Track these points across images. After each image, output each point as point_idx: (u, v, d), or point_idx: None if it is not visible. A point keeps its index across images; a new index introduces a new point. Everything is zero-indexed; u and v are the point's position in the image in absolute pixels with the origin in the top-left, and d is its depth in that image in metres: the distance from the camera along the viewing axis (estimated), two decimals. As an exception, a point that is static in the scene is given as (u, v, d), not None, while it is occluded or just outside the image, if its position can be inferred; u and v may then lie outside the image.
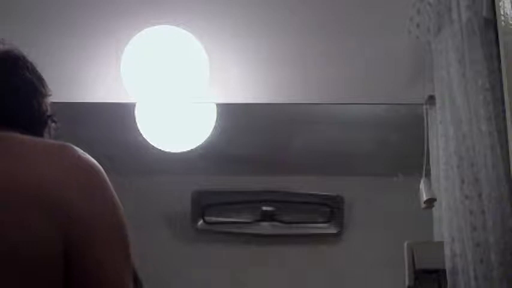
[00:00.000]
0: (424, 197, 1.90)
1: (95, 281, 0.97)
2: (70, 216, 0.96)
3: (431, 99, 1.96)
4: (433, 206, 1.91)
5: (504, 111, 1.73)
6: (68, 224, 0.96)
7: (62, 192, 0.97)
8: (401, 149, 2.11)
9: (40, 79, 1.17)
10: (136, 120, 2.10)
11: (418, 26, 1.91)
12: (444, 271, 1.77)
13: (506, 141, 1.72)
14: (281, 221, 2.16)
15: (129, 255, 1.02)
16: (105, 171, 1.04)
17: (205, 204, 2.16)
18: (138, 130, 2.09)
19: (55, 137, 1.18)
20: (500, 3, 1.74)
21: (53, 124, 1.17)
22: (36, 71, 1.17)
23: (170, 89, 2.00)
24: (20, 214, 0.94)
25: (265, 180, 2.16)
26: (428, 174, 1.94)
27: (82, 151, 1.03)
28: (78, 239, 0.96)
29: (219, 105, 2.10)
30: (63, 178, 0.98)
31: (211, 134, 2.11)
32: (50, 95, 1.18)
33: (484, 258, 1.67)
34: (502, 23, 1.74)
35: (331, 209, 2.16)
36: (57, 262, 0.95)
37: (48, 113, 1.16)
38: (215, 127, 2.11)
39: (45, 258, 0.94)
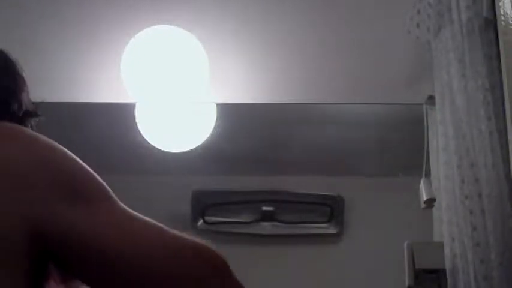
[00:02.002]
0: (424, 197, 1.90)
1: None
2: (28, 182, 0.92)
3: (431, 99, 1.96)
4: (433, 206, 1.91)
5: (504, 111, 1.74)
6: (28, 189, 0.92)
7: (17, 165, 0.93)
8: (401, 149, 2.11)
9: (18, 75, 1.12)
10: (136, 120, 2.10)
11: (418, 26, 1.91)
12: (444, 271, 1.77)
13: (506, 141, 1.72)
14: (281, 221, 2.15)
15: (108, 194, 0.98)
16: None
17: (205, 204, 2.16)
18: (138, 130, 2.09)
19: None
20: (500, 3, 1.74)
21: (34, 119, 1.12)
22: (14, 67, 1.12)
23: (170, 89, 2.00)
24: None
25: (265, 180, 2.16)
26: (428, 174, 1.94)
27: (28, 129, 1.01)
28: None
29: (219, 105, 2.10)
30: (16, 152, 0.94)
31: (211, 134, 2.11)
32: (27, 91, 1.12)
33: (484, 258, 1.67)
34: (502, 23, 1.74)
35: (331, 209, 2.16)
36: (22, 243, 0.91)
37: (28, 109, 1.11)
38: (215, 127, 2.11)
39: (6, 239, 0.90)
